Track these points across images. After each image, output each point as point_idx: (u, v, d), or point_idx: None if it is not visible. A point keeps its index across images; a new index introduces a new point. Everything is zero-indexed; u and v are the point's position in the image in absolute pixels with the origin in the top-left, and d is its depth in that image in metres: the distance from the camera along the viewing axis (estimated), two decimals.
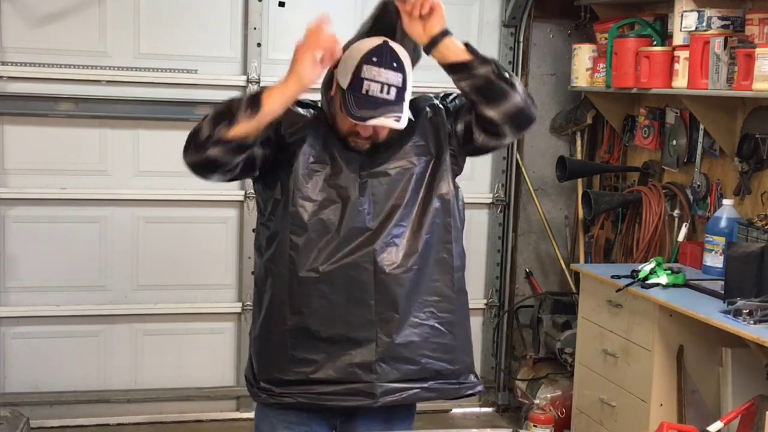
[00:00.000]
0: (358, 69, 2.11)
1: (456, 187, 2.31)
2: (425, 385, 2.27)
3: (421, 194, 2.24)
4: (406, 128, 2.21)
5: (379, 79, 2.10)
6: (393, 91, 2.11)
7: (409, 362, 2.23)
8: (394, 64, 2.13)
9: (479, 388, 2.42)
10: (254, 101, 2.10)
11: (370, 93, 2.10)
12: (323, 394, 2.22)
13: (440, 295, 2.27)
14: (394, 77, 2.12)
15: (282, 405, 2.27)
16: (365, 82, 2.10)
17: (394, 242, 2.19)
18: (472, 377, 2.39)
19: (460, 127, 2.28)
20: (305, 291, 2.19)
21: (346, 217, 2.18)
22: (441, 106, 2.31)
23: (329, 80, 2.21)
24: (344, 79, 2.13)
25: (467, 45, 2.16)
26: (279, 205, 2.22)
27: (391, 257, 2.19)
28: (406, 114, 2.17)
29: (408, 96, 2.17)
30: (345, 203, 2.19)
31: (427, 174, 2.25)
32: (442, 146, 2.27)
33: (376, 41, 2.15)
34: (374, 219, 2.19)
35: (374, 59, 2.12)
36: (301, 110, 2.26)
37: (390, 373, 2.22)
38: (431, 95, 2.35)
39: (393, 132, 2.22)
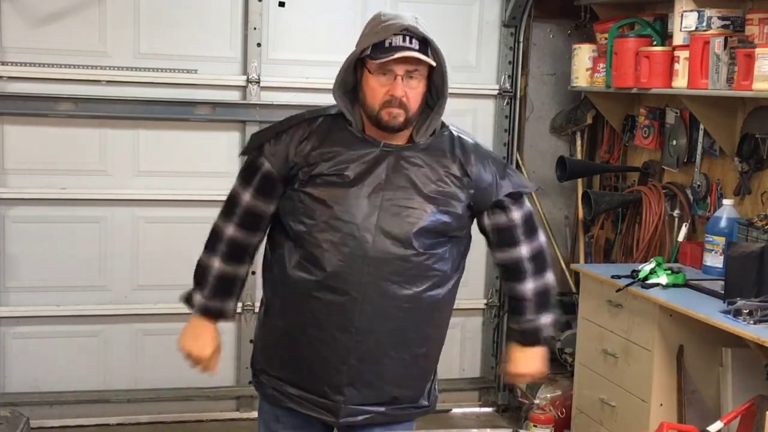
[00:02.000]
0: (378, 34, 2.14)
1: (468, 237, 2.33)
2: (382, 409, 2.29)
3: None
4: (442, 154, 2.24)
5: (398, 36, 2.12)
6: (415, 42, 2.12)
7: (373, 389, 2.27)
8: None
9: (426, 409, 2.44)
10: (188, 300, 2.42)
11: (393, 44, 2.12)
12: (291, 396, 2.30)
13: (422, 334, 2.29)
14: (415, 30, 2.13)
15: (275, 400, 2.35)
16: (386, 41, 2.12)
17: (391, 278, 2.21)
18: (423, 401, 2.40)
19: (486, 221, 2.33)
20: (297, 297, 2.23)
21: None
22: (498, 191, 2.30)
23: (343, 80, 2.23)
24: (367, 44, 2.15)
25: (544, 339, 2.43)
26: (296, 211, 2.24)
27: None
28: (431, 60, 2.15)
29: (432, 55, 2.16)
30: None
31: (443, 215, 2.23)
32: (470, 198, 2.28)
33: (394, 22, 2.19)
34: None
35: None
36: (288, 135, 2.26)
37: (355, 396, 2.25)
38: (500, 159, 2.39)
39: (421, 131, 2.22)
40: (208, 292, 2.33)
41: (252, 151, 2.29)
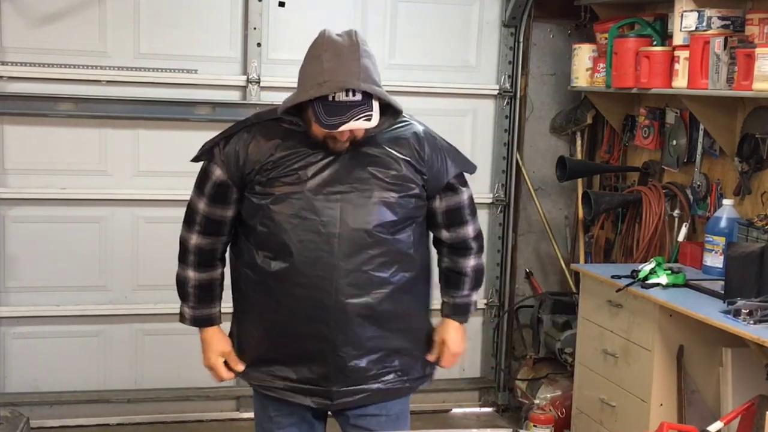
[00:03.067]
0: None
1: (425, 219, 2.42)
2: (374, 386, 2.36)
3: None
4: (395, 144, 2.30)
5: (343, 90, 2.12)
6: (359, 93, 2.13)
7: (361, 370, 2.33)
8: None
9: (427, 381, 2.52)
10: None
11: (336, 98, 2.12)
12: (281, 390, 2.36)
13: (399, 313, 2.36)
14: (356, 86, 2.12)
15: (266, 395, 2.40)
16: (331, 94, 2.12)
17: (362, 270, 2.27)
18: (415, 372, 2.46)
19: (438, 204, 2.41)
20: (271, 295, 2.30)
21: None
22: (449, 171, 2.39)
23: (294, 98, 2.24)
24: (309, 93, 2.15)
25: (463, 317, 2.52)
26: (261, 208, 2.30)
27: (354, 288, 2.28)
28: (377, 111, 2.18)
29: (375, 91, 2.16)
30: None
31: (407, 200, 2.31)
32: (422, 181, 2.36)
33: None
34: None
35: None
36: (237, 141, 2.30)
37: (345, 379, 2.33)
38: (437, 137, 2.43)
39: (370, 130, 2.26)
40: (193, 303, 2.44)
41: (202, 157, 2.34)
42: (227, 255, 2.46)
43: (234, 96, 4.14)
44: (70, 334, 4.12)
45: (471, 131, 4.44)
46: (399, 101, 2.30)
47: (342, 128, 2.14)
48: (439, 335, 2.50)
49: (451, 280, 2.51)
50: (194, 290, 2.43)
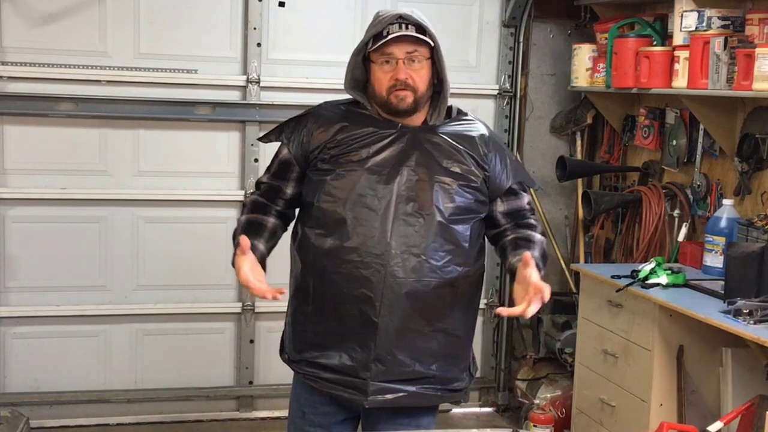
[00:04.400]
0: (376, 27, 2.28)
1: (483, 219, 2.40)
2: (411, 388, 2.34)
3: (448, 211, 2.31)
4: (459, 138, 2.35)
5: (395, 24, 2.26)
6: (412, 28, 2.25)
7: (399, 364, 2.31)
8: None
9: (458, 394, 2.47)
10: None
11: (390, 32, 2.25)
12: (324, 380, 2.35)
13: (444, 309, 2.33)
14: (410, 23, 2.26)
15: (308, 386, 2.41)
16: (383, 31, 2.26)
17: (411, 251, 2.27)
18: (455, 384, 2.43)
19: (500, 207, 2.41)
20: (324, 273, 2.30)
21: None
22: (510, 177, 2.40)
23: (352, 77, 2.35)
24: (367, 38, 2.30)
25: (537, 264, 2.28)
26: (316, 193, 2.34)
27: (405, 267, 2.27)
28: (427, 42, 2.28)
29: (430, 38, 2.28)
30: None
31: (465, 191, 2.32)
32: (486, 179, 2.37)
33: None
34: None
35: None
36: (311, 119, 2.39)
37: (382, 373, 2.30)
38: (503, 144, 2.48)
39: (434, 115, 2.35)
40: (240, 231, 2.36)
41: (270, 136, 2.45)
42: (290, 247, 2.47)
43: (234, 96, 4.16)
44: (71, 334, 4.14)
45: None
46: None
47: (391, 36, 2.24)
48: (519, 271, 2.22)
49: (520, 245, 2.36)
50: (244, 223, 2.41)
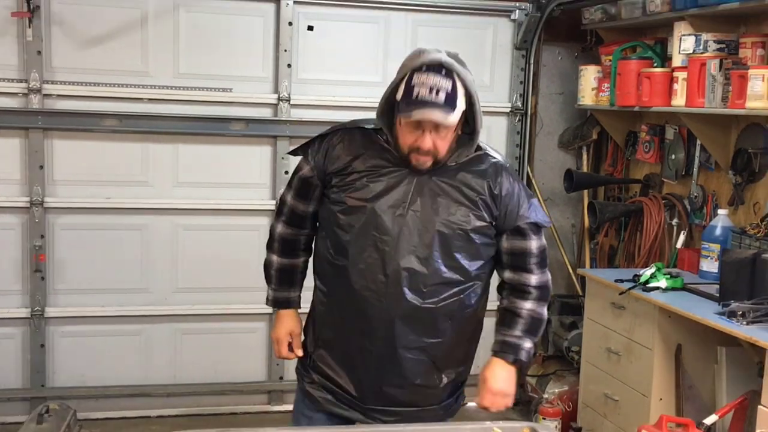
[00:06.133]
0: (409, 78, 2.14)
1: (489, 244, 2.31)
2: (409, 410, 2.33)
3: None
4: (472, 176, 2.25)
5: (427, 83, 2.11)
6: (442, 95, 2.10)
7: (396, 387, 2.31)
8: (443, 71, 2.14)
9: (454, 407, 2.45)
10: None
11: (419, 97, 2.11)
12: (325, 400, 2.38)
13: (451, 340, 2.32)
14: (443, 82, 2.11)
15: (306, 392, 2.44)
16: (415, 88, 2.12)
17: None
18: (446, 400, 2.41)
19: (504, 243, 2.31)
20: (336, 300, 2.33)
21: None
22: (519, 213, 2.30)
23: (383, 109, 2.25)
24: (399, 93, 2.18)
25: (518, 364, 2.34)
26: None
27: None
28: (456, 116, 2.15)
29: (460, 104, 2.15)
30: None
31: (471, 222, 2.24)
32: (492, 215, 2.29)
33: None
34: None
35: (423, 68, 2.14)
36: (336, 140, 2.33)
37: (380, 397, 2.32)
38: (518, 184, 2.34)
39: (453, 156, 2.24)
40: (275, 285, 2.47)
41: (297, 151, 2.40)
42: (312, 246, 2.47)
43: (266, 113, 4.21)
44: (114, 333, 4.20)
45: None
46: None
47: (414, 116, 2.11)
48: (482, 372, 2.34)
49: (505, 319, 2.34)
50: (276, 273, 2.44)
